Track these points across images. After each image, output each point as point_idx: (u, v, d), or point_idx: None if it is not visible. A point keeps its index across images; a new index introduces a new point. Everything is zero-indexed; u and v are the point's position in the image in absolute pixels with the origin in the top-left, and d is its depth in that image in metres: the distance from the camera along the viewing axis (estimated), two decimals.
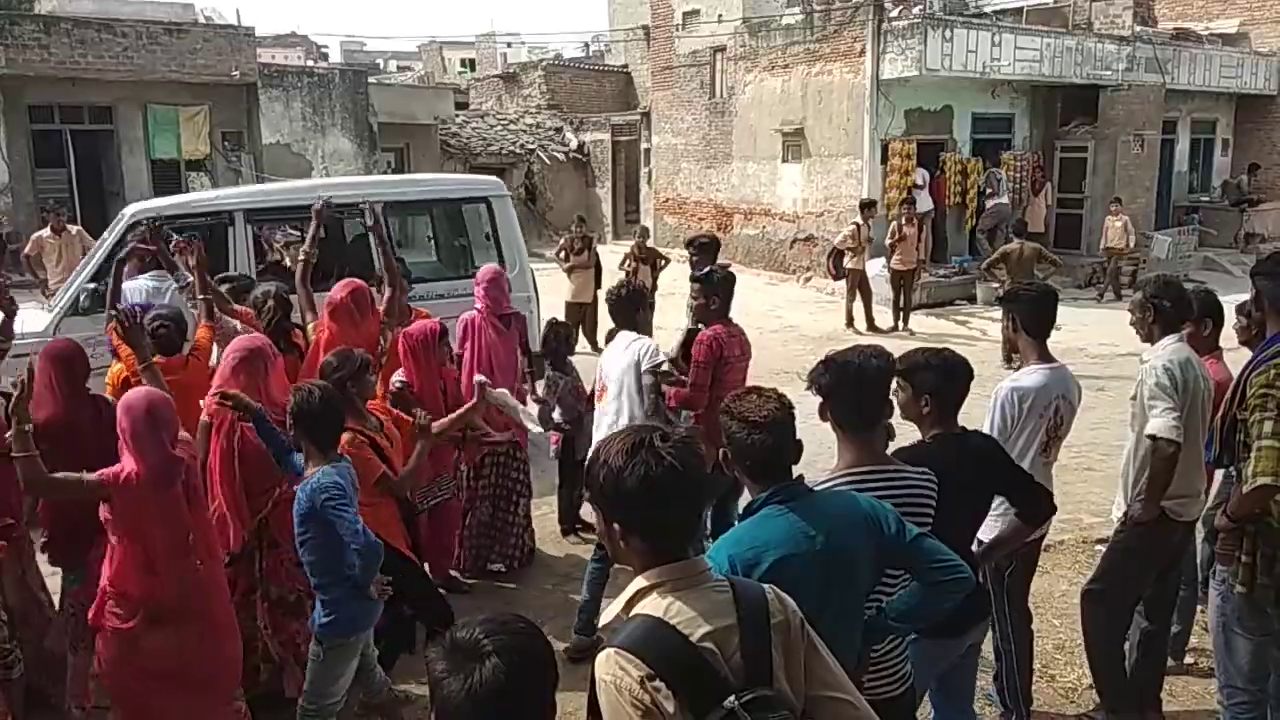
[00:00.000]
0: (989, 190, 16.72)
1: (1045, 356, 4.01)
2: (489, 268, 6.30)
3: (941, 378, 3.20)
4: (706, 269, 5.63)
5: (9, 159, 16.49)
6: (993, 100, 17.45)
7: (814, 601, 2.29)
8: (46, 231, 11.10)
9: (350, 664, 3.75)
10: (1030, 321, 4.01)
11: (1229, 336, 4.67)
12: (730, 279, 5.37)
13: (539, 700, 1.64)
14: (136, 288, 6.33)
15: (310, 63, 33.77)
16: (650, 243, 13.19)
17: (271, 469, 4.10)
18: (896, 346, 3.30)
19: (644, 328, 5.46)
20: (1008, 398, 3.92)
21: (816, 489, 2.71)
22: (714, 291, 5.23)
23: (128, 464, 3.45)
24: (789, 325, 14.19)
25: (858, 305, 13.66)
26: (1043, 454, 3.96)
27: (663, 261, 12.43)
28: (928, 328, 13.90)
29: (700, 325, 5.27)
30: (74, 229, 11.32)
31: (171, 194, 16.32)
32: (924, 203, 15.97)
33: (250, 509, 4.22)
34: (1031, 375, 3.97)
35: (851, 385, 2.80)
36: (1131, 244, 16.21)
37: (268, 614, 4.28)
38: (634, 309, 5.22)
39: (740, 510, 2.52)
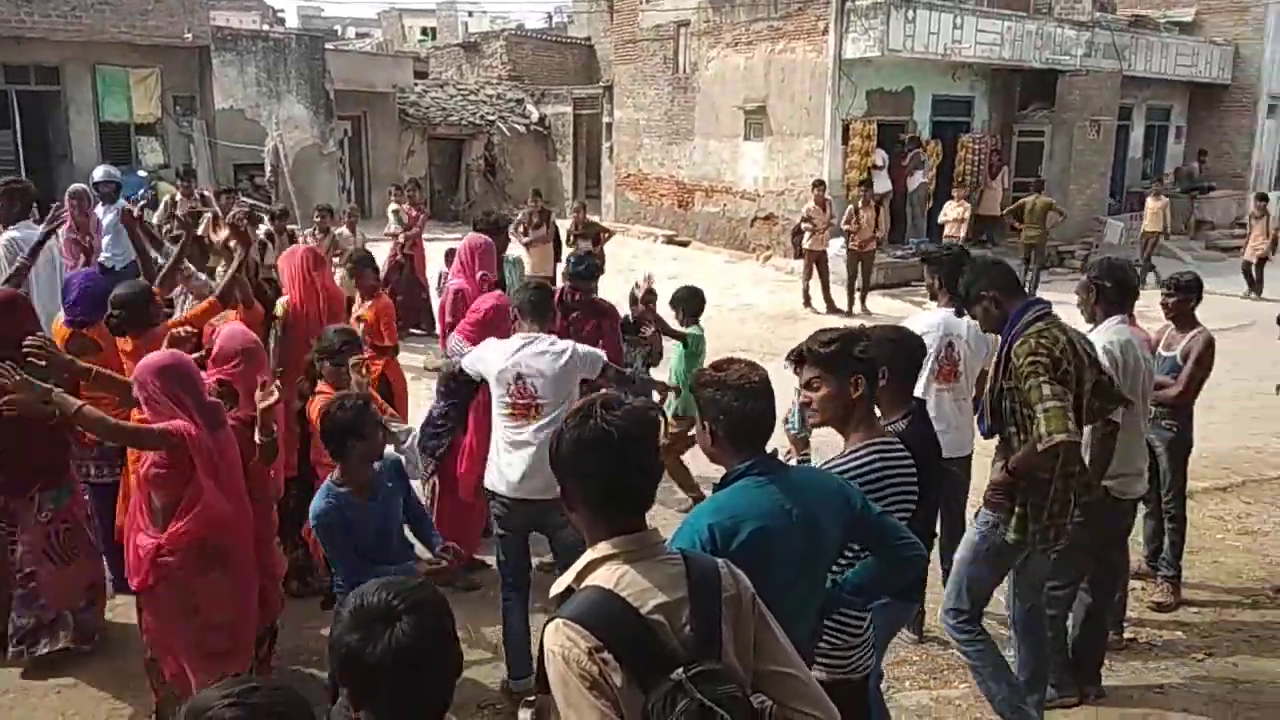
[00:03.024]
0: (907, 166, 16.69)
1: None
2: None
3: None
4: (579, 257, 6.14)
5: None
6: (953, 83, 17.55)
7: (789, 574, 2.35)
8: None
9: None
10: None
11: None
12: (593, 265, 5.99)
13: (450, 651, 1.73)
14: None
15: (265, 27, 33.05)
16: (596, 217, 13.09)
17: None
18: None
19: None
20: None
21: (830, 462, 2.87)
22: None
23: (179, 420, 3.56)
24: (747, 304, 14.23)
25: (815, 285, 13.72)
26: (936, 380, 4.76)
27: (605, 235, 12.35)
28: (883, 308, 14.01)
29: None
30: None
31: (121, 159, 16.03)
32: (882, 183, 16.04)
33: None
34: (930, 316, 4.92)
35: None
36: (1169, 228, 16.23)
37: None
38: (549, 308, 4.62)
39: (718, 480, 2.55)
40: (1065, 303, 4.90)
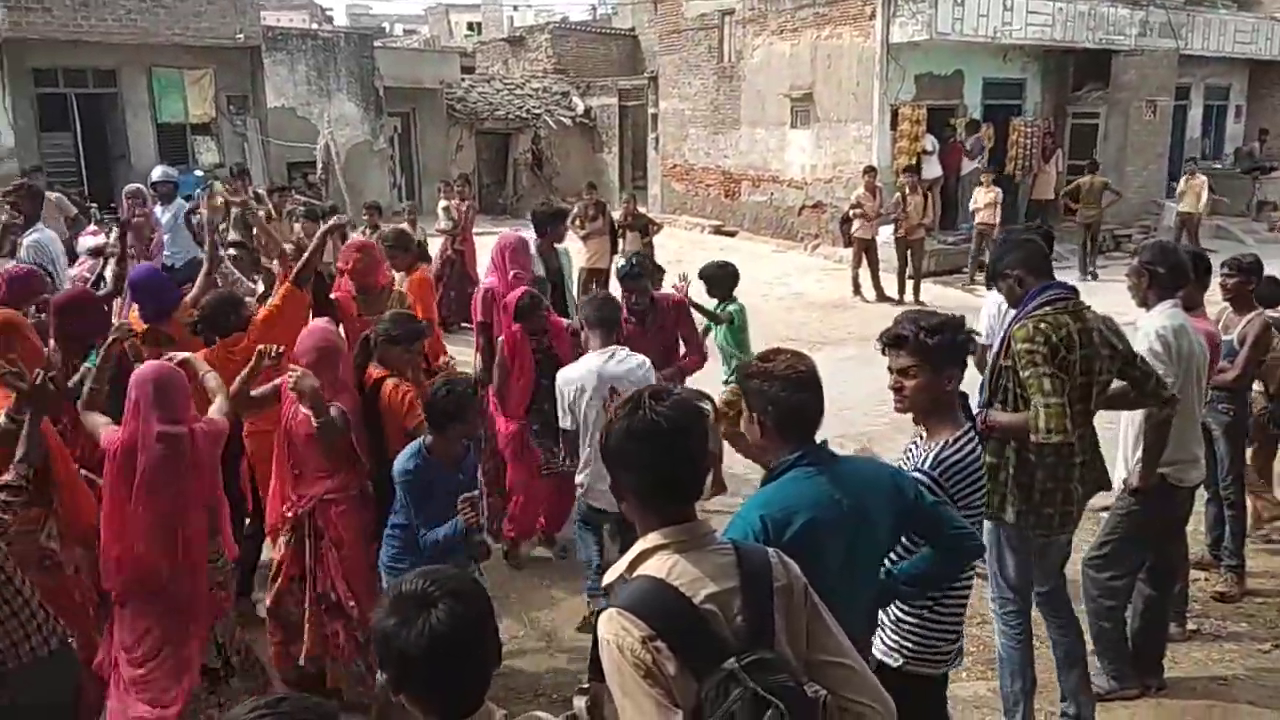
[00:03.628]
0: (970, 150, 16.42)
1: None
2: None
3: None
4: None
5: (14, 123, 16.40)
6: (1004, 65, 17.25)
7: (839, 564, 2.34)
8: None
9: None
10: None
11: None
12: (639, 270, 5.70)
13: (487, 640, 1.76)
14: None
15: (315, 26, 33.49)
16: (644, 208, 13.10)
17: (323, 459, 4.06)
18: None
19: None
20: (995, 312, 4.98)
21: (933, 453, 2.84)
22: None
23: (122, 434, 3.51)
24: (795, 292, 14.15)
25: (864, 273, 13.59)
26: None
27: (654, 227, 12.37)
28: (933, 296, 13.83)
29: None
30: (53, 195, 10.07)
31: (178, 159, 16.37)
32: (933, 169, 15.81)
33: (298, 493, 4.14)
34: None
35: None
36: (1203, 209, 15.74)
37: (312, 605, 4.16)
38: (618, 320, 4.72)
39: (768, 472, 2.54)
40: (1121, 282, 4.81)
